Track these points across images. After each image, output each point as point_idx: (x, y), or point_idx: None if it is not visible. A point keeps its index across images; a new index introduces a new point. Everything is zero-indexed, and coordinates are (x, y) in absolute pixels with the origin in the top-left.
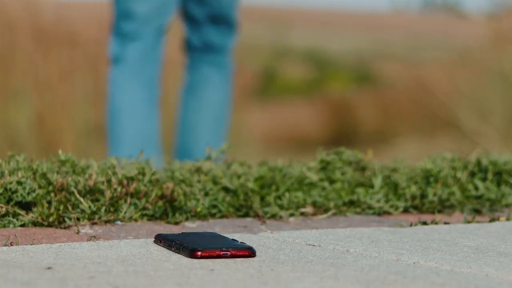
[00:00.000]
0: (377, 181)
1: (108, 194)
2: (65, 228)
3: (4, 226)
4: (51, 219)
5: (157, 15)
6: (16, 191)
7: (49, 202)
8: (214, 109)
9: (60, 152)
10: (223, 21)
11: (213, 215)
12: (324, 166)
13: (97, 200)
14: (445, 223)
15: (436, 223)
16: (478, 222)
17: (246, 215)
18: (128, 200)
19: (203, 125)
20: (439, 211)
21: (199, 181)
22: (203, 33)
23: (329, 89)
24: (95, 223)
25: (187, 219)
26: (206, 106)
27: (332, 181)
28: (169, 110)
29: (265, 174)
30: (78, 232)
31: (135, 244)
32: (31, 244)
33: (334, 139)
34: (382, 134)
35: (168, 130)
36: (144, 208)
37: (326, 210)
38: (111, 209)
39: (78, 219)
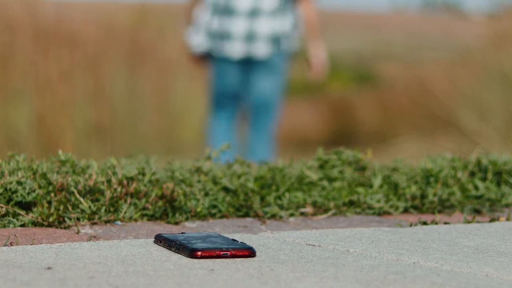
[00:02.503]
0: (377, 181)
1: (108, 194)
2: (65, 228)
3: (4, 226)
4: (51, 219)
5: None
6: (16, 191)
7: (49, 202)
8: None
9: (60, 152)
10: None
11: (213, 215)
12: (322, 164)
13: (97, 200)
14: (445, 223)
15: (436, 223)
16: (478, 222)
17: (246, 215)
18: (128, 200)
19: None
20: (439, 211)
21: (199, 181)
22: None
23: (329, 89)
24: (95, 223)
25: (187, 219)
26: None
27: (331, 180)
28: (170, 109)
29: (265, 174)
30: (78, 232)
31: (135, 244)
32: (31, 244)
33: (334, 139)
34: (382, 134)
35: (169, 129)
36: (144, 208)
37: (326, 210)
38: (111, 209)
39: (78, 219)
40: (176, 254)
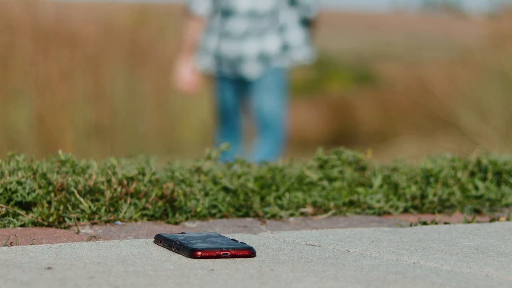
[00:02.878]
0: (376, 181)
1: (108, 194)
2: (65, 228)
3: (4, 226)
4: (51, 219)
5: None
6: (16, 191)
7: (49, 202)
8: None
9: (60, 152)
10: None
11: (213, 215)
12: (322, 164)
13: (97, 200)
14: (445, 223)
15: (436, 223)
16: (478, 222)
17: (246, 215)
18: (128, 200)
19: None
20: (439, 211)
21: (199, 181)
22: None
23: (329, 89)
24: (95, 223)
25: (187, 219)
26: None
27: (330, 180)
28: (170, 109)
29: (265, 174)
30: (78, 232)
31: (135, 244)
32: (31, 244)
33: (334, 139)
34: (382, 134)
35: (169, 129)
36: (144, 208)
37: (326, 210)
38: (111, 209)
39: (78, 219)
40: (176, 254)
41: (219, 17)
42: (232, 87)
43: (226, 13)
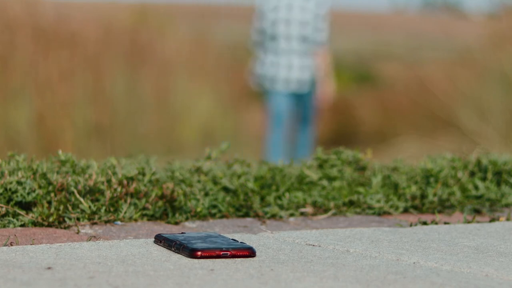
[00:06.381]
0: (375, 180)
1: (108, 194)
2: (65, 228)
3: (4, 226)
4: (51, 219)
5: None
6: (16, 191)
7: (49, 202)
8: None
9: (60, 152)
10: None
11: (213, 215)
12: (321, 164)
13: (97, 200)
14: (445, 223)
15: (436, 223)
16: (478, 222)
17: (246, 215)
18: (128, 200)
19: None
20: (439, 211)
21: (199, 181)
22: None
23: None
24: (95, 223)
25: (187, 219)
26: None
27: (330, 179)
28: (170, 109)
29: (265, 174)
30: (78, 232)
31: (135, 244)
32: (31, 244)
33: (334, 139)
34: (382, 134)
35: (169, 129)
36: (144, 208)
37: (326, 210)
38: (111, 209)
39: (78, 219)
40: (176, 254)
41: (277, 53)
42: (287, 99)
43: (285, 51)
